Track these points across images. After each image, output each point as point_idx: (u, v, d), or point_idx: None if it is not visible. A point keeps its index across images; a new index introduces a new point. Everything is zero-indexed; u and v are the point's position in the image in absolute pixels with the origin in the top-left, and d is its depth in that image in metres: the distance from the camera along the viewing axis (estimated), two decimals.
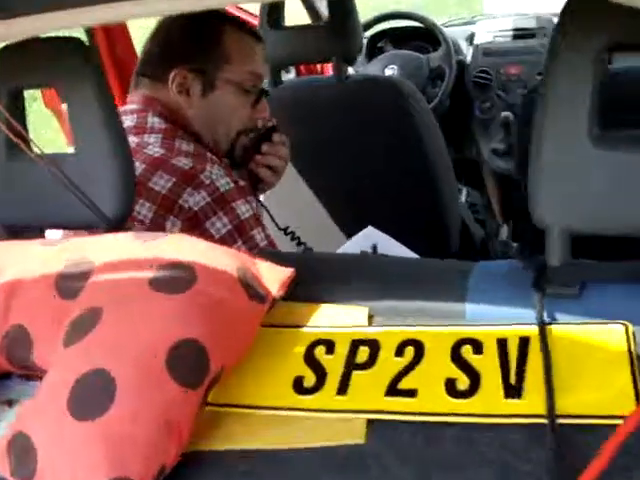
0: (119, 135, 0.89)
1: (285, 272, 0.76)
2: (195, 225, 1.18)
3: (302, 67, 2.62)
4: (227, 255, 0.74)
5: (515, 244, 2.20)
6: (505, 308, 0.73)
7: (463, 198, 2.29)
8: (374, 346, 0.71)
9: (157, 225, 1.18)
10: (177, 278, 0.67)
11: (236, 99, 1.31)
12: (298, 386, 0.69)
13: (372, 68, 2.61)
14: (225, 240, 1.19)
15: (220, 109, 1.30)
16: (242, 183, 1.24)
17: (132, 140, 1.23)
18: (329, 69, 3.13)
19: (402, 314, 0.75)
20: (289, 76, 2.57)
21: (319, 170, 1.80)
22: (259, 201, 1.42)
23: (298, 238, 1.43)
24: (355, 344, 0.72)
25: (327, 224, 1.82)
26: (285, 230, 1.42)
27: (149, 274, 0.67)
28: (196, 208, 1.18)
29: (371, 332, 0.73)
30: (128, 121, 1.27)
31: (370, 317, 0.76)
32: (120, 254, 0.72)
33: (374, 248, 1.55)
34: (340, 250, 1.65)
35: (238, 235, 1.20)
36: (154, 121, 1.28)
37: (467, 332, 0.71)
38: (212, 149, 1.30)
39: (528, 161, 0.70)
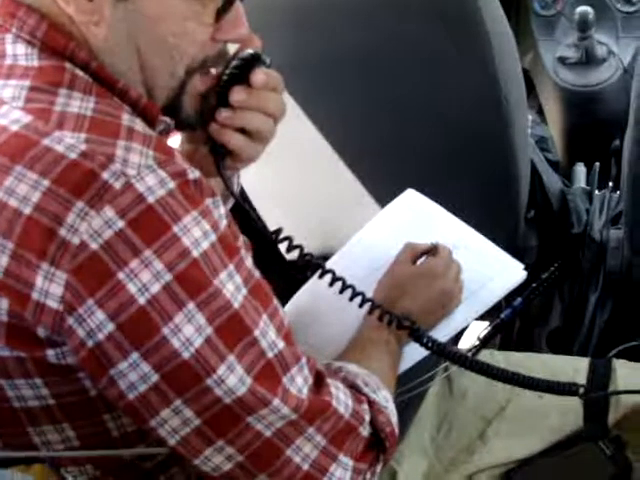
0: None
1: None
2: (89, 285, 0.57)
3: None
4: None
5: (599, 192, 1.57)
6: None
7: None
8: None
9: (16, 280, 0.57)
10: None
11: (184, 6, 0.67)
12: None
13: None
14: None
15: (153, 27, 0.67)
16: (194, 174, 0.62)
17: None
18: None
19: None
20: None
21: (327, 109, 1.18)
22: (231, 191, 0.79)
23: (300, 247, 0.81)
24: None
25: (349, 190, 1.21)
26: (276, 235, 0.79)
27: None
28: (95, 246, 0.57)
29: None
30: None
31: None
32: None
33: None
34: (369, 227, 1.04)
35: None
36: (18, 52, 0.66)
37: None
38: (136, 102, 0.68)
39: None
